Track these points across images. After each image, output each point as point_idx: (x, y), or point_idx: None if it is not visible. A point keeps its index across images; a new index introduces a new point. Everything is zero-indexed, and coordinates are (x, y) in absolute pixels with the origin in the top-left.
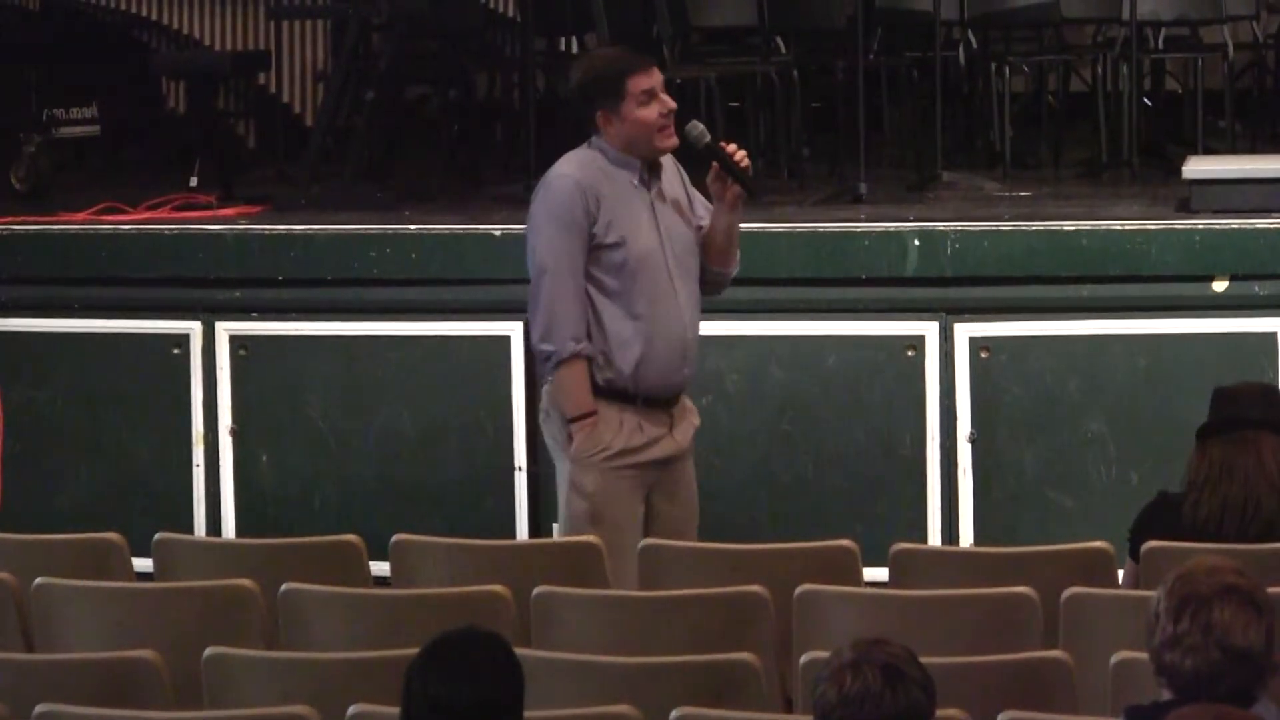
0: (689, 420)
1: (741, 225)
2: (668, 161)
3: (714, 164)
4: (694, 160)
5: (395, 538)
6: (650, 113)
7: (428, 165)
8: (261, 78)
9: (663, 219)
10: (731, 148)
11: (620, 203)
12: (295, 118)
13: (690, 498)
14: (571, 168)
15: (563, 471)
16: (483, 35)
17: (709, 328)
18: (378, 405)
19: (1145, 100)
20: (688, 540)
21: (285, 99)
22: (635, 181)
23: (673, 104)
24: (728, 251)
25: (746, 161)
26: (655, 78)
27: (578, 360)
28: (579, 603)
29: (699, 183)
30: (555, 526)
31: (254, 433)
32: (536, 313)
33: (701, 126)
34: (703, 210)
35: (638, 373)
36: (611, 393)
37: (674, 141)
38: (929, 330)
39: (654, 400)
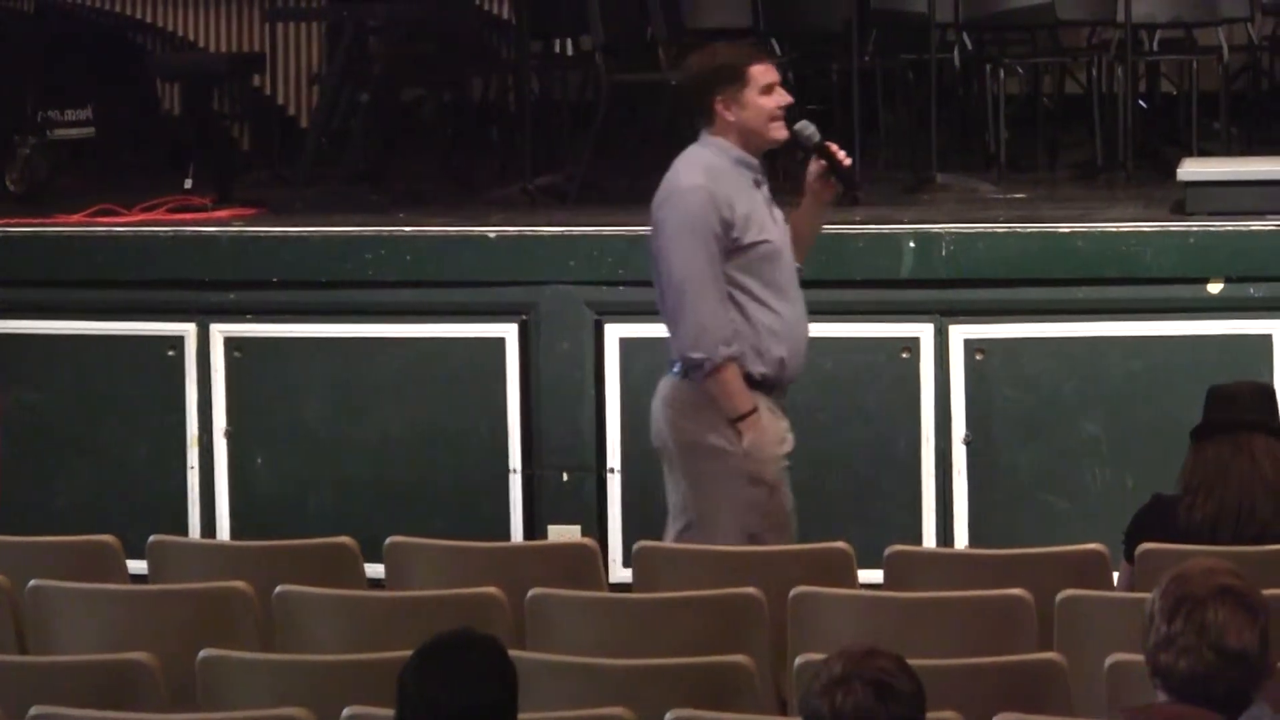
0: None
1: None
2: None
3: (816, 161)
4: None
5: (390, 540)
6: (770, 102)
7: (423, 168)
8: (257, 80)
9: (776, 217)
10: (835, 147)
11: (748, 202)
12: (290, 120)
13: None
14: (699, 176)
15: (715, 472)
16: (478, 38)
17: None
18: (372, 407)
19: (1140, 102)
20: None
21: (280, 101)
22: (752, 182)
23: (789, 99)
24: (809, 246)
25: (849, 161)
26: (775, 72)
27: (731, 362)
28: (574, 605)
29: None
30: (672, 529)
31: (249, 435)
32: (681, 324)
33: (812, 126)
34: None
35: (785, 364)
36: (764, 385)
37: (785, 134)
38: (924, 332)
39: (785, 390)
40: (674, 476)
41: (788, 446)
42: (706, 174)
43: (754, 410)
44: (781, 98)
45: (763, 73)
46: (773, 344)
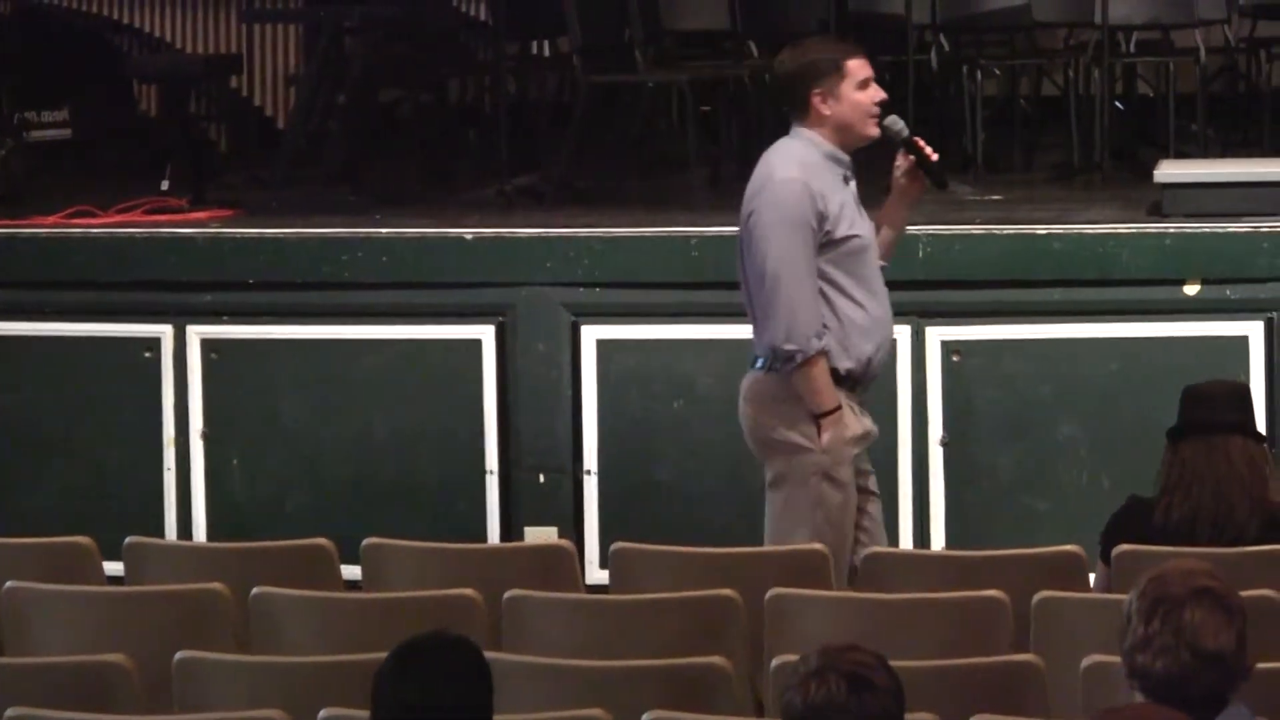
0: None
1: (717, 229)
2: None
3: (904, 157)
4: None
5: (366, 541)
6: (866, 97)
7: (400, 169)
8: (234, 81)
9: (863, 213)
10: (923, 142)
11: (840, 197)
12: (268, 121)
13: (875, 478)
14: (794, 169)
15: (792, 468)
16: (455, 39)
17: (681, 331)
18: (349, 409)
19: (1117, 104)
20: (881, 519)
21: (258, 102)
22: (842, 178)
23: (884, 95)
24: (893, 245)
25: (937, 155)
26: (870, 68)
27: (820, 357)
28: (550, 606)
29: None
30: (770, 531)
31: (225, 436)
32: (774, 315)
33: (901, 121)
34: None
35: (871, 360)
36: (848, 381)
37: (878, 130)
38: (901, 334)
39: (868, 385)
40: (766, 475)
41: (868, 443)
42: (800, 167)
43: (838, 407)
44: (877, 93)
45: (859, 67)
46: (860, 340)
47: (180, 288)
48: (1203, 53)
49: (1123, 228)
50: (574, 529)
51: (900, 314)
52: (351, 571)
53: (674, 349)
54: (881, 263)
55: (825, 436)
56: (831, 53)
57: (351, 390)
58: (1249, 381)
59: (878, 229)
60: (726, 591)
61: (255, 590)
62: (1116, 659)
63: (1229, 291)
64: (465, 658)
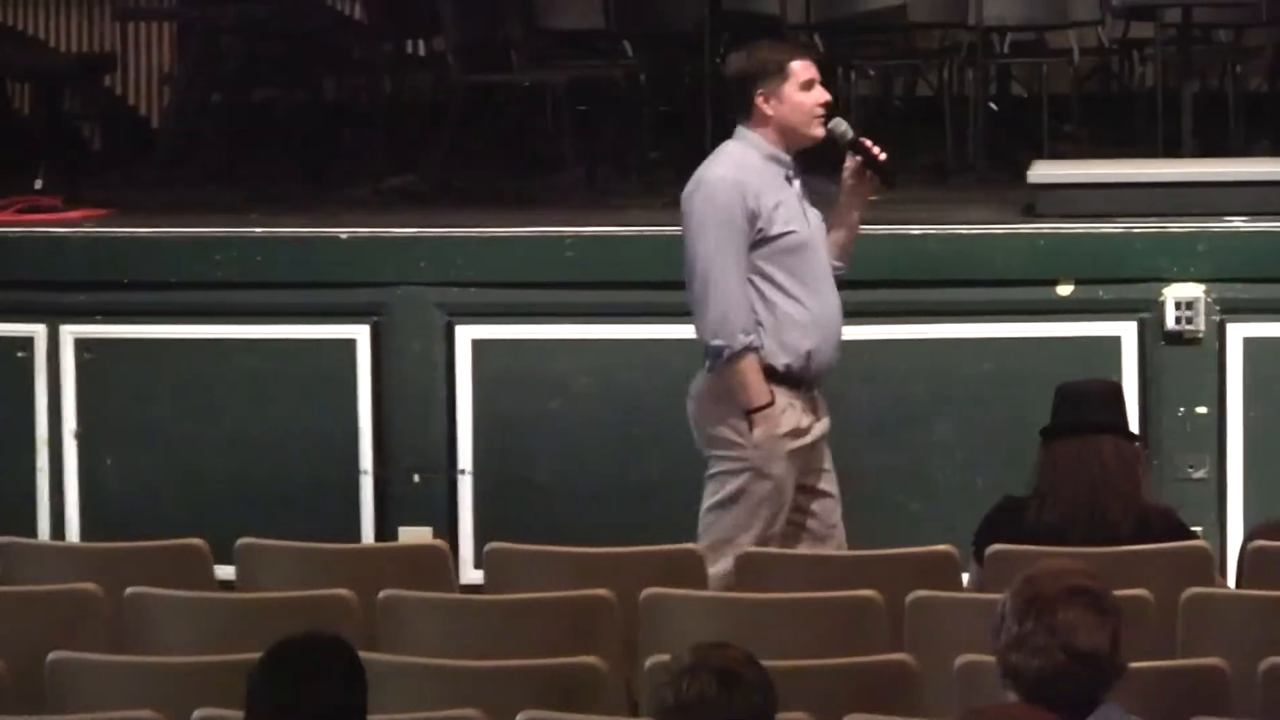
0: (823, 403)
1: (593, 229)
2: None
3: (852, 158)
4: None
5: (240, 541)
6: (809, 98)
7: (275, 168)
8: (108, 80)
9: (808, 212)
10: (870, 143)
11: (777, 195)
12: (142, 120)
13: (834, 478)
14: (726, 167)
15: (725, 463)
16: (330, 38)
17: (556, 330)
18: (223, 409)
19: (991, 105)
20: (836, 521)
21: (132, 101)
22: (784, 177)
23: (828, 96)
24: (849, 247)
25: (885, 155)
26: (815, 70)
27: (750, 352)
28: (425, 606)
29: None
30: (706, 520)
31: (99, 436)
32: (705, 311)
33: (845, 123)
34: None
35: (811, 357)
36: (788, 378)
37: (823, 131)
38: None
39: (813, 384)
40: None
41: (800, 441)
42: (736, 166)
43: (769, 403)
44: (821, 95)
45: (804, 69)
46: (798, 336)
47: (54, 287)
48: (1076, 54)
49: (996, 228)
50: (448, 529)
51: None
52: (225, 571)
53: (549, 349)
54: (838, 264)
55: (756, 432)
56: (777, 54)
57: (226, 390)
58: (1122, 381)
59: (830, 230)
60: (601, 591)
61: (129, 590)
62: (990, 658)
63: (1101, 292)
64: (339, 658)
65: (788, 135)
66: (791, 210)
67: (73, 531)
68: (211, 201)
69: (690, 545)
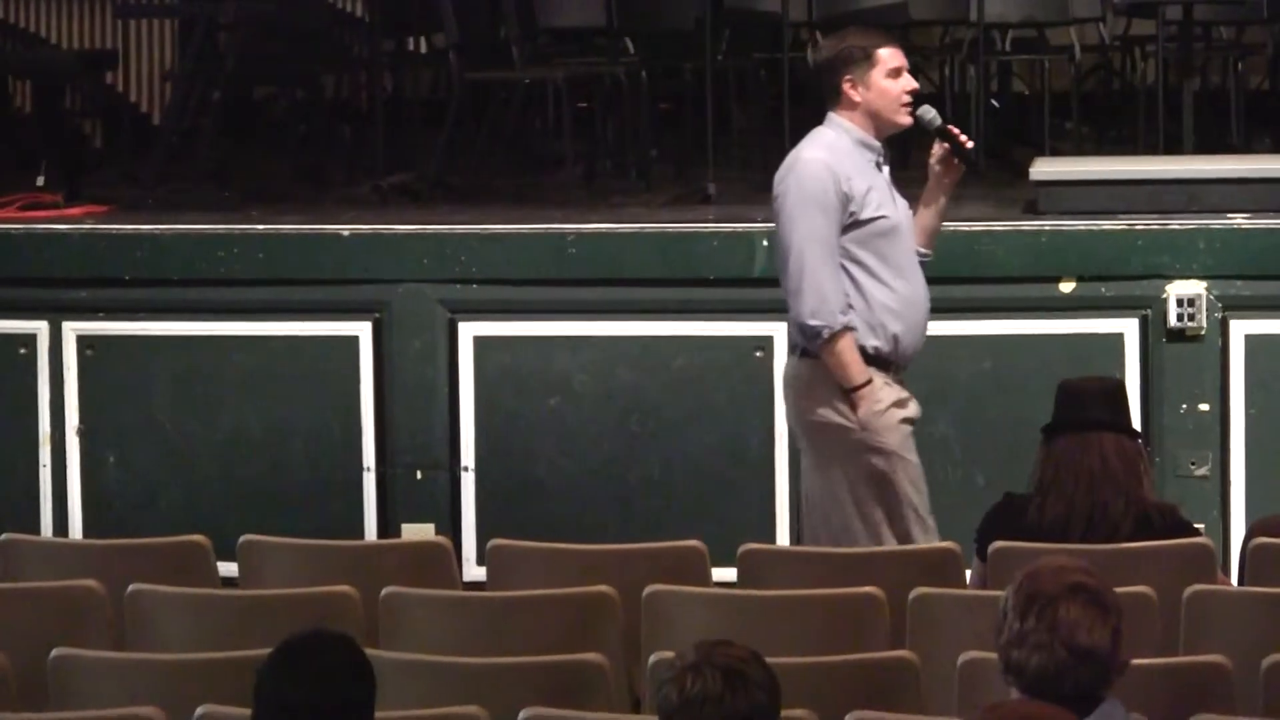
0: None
1: (593, 226)
2: None
3: (939, 145)
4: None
5: (243, 538)
6: (896, 86)
7: (275, 166)
8: (109, 77)
9: (897, 198)
10: (957, 130)
11: (868, 180)
12: (143, 117)
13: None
14: (819, 150)
15: (833, 447)
16: (330, 35)
17: (558, 327)
18: (225, 406)
19: (993, 102)
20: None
21: (133, 99)
22: (874, 163)
23: (915, 85)
24: (935, 232)
25: (971, 142)
26: (903, 57)
27: (847, 332)
28: (427, 603)
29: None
30: (813, 512)
31: (101, 433)
32: (801, 292)
33: (933, 110)
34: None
35: (899, 341)
36: (878, 360)
37: (910, 119)
38: (777, 331)
39: (900, 367)
40: (806, 460)
41: (911, 412)
42: (828, 150)
43: (868, 382)
44: (908, 83)
45: (891, 56)
46: (888, 320)
47: (55, 284)
48: (1077, 50)
49: (998, 225)
50: (451, 526)
51: (776, 311)
52: (228, 568)
53: (550, 346)
54: (925, 251)
55: (860, 410)
56: (865, 41)
57: (228, 387)
58: (1124, 379)
59: (919, 217)
60: (603, 588)
61: (131, 587)
62: (992, 655)
63: (1104, 289)
64: (347, 656)
65: (875, 121)
66: (882, 195)
67: (75, 528)
68: (212, 199)
69: (693, 542)
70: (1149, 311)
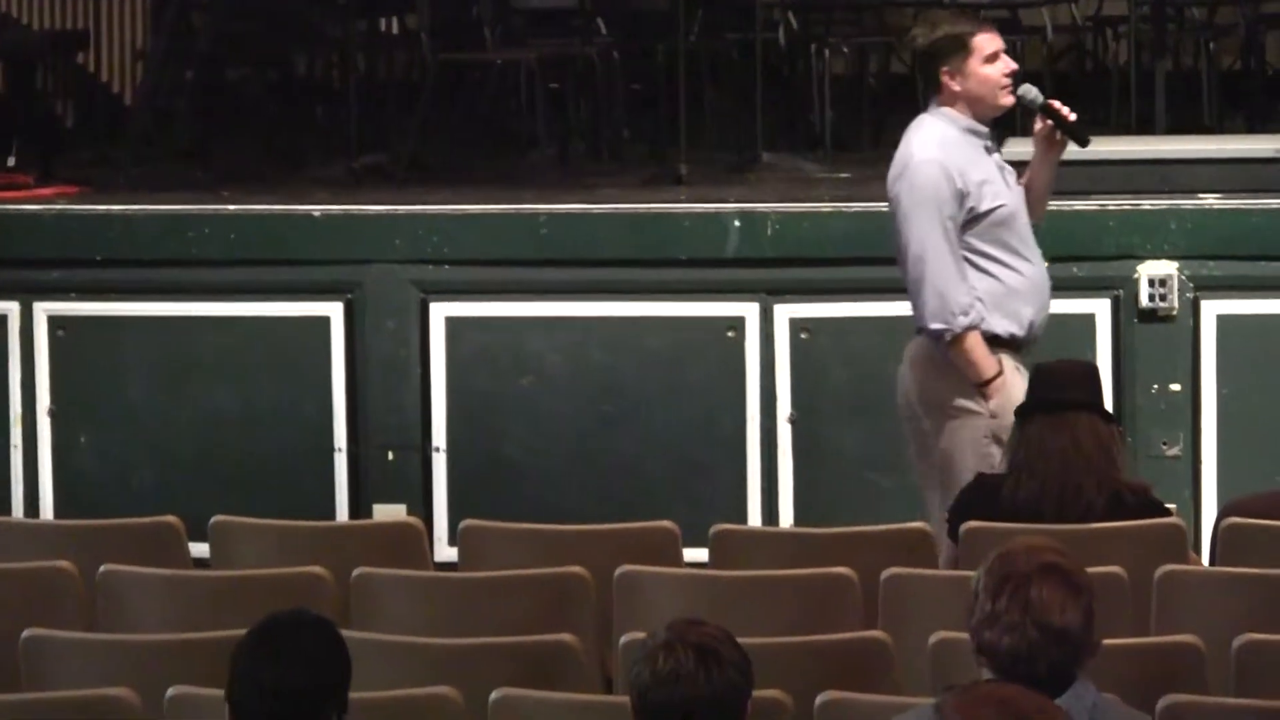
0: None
1: (566, 207)
2: None
3: (1042, 120)
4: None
5: (214, 519)
6: (994, 70)
7: (248, 146)
8: (81, 57)
9: (1009, 180)
10: (1059, 104)
11: (983, 169)
12: (115, 98)
13: None
14: (929, 148)
15: (958, 431)
16: (303, 15)
17: (530, 308)
18: (197, 386)
19: None
20: None
21: (105, 79)
22: (983, 148)
23: (1014, 65)
24: (1042, 206)
25: (1074, 116)
26: (999, 41)
27: (970, 332)
28: (399, 584)
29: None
30: (933, 499)
31: (72, 414)
32: (921, 294)
33: (1035, 89)
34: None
35: (1034, 321)
36: (1011, 344)
37: (1012, 100)
38: (749, 311)
39: (1032, 345)
40: (921, 440)
41: None
42: (939, 145)
43: (999, 374)
44: (1007, 65)
45: (986, 41)
46: (1019, 304)
47: (27, 264)
48: (1050, 31)
49: None
50: (423, 506)
51: (748, 291)
52: (200, 549)
53: (523, 327)
54: (1035, 222)
55: (992, 402)
56: (960, 28)
57: (199, 367)
58: (1095, 358)
59: (1027, 190)
60: (575, 569)
61: (103, 568)
62: (964, 635)
63: (1075, 269)
64: (324, 638)
65: (978, 108)
66: (996, 183)
67: (47, 509)
68: (184, 179)
69: (665, 523)
70: (1120, 292)
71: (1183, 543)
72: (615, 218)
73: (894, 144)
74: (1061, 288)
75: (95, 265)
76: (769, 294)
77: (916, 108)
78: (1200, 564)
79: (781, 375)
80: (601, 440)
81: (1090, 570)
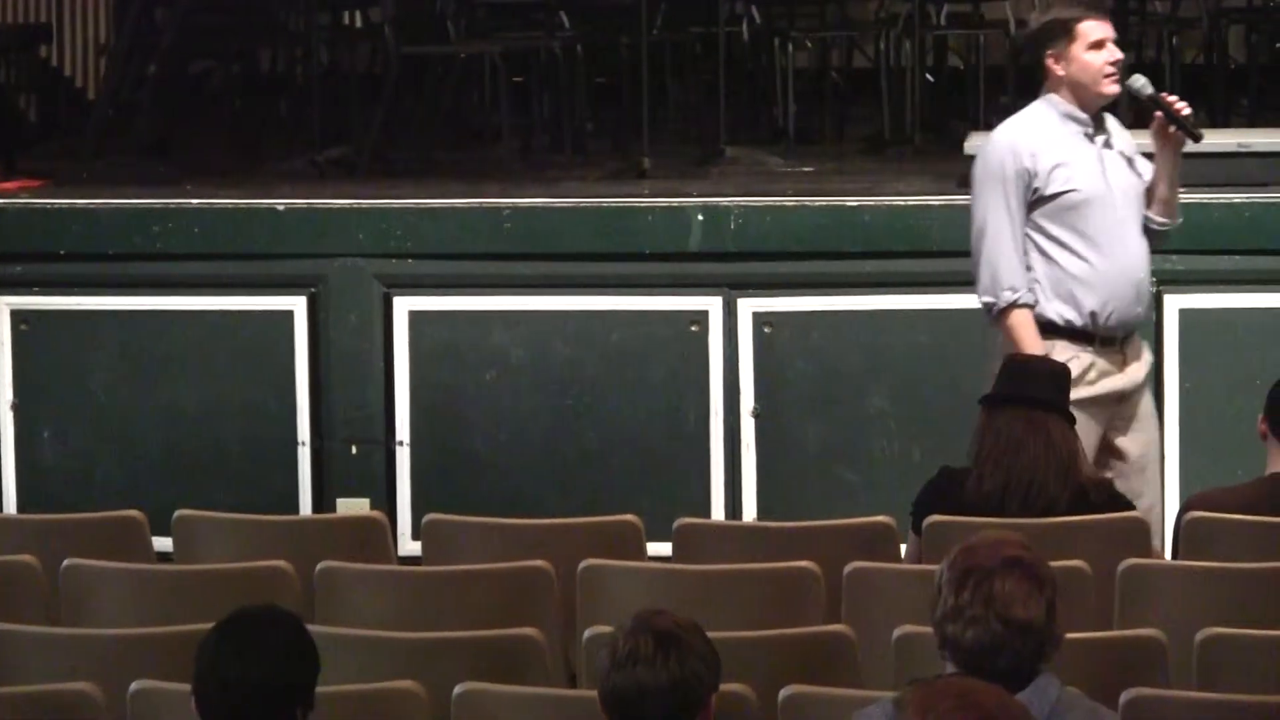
0: (1143, 358)
1: (529, 200)
2: (1114, 125)
3: (1156, 114)
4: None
5: (177, 513)
6: (1098, 58)
7: (211, 140)
8: (43, 50)
9: (1110, 168)
10: (1172, 98)
11: (1066, 153)
12: (78, 91)
13: (1147, 433)
14: (1009, 129)
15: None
16: (266, 9)
17: (493, 302)
18: (160, 380)
19: (928, 76)
20: (1148, 475)
21: (68, 72)
22: (1083, 134)
23: (1120, 55)
24: (1171, 202)
25: (1189, 110)
26: (1108, 29)
27: (1017, 309)
28: (362, 578)
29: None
30: None
31: (35, 407)
32: (978, 268)
33: (1144, 79)
34: (1146, 168)
35: (1097, 312)
36: (1071, 332)
37: (1117, 89)
38: (712, 305)
39: (1109, 339)
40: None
41: (1096, 390)
42: (1021, 126)
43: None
44: (1111, 54)
45: (1093, 28)
46: (1079, 291)
47: None
48: (1013, 25)
49: (933, 200)
50: (386, 500)
51: (712, 285)
52: (163, 543)
53: (486, 321)
54: (1163, 220)
55: None
56: (1067, 14)
57: (163, 361)
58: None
59: (1152, 187)
60: (539, 563)
61: (66, 562)
62: (928, 629)
63: None
64: (291, 634)
65: (1080, 94)
66: (1076, 169)
67: (9, 503)
68: (148, 173)
69: (629, 517)
70: None
71: (1146, 536)
72: (578, 211)
73: (856, 138)
74: None
75: (58, 259)
76: (732, 288)
77: (880, 101)
78: (1163, 558)
79: (745, 369)
80: (565, 434)
81: (1053, 564)
